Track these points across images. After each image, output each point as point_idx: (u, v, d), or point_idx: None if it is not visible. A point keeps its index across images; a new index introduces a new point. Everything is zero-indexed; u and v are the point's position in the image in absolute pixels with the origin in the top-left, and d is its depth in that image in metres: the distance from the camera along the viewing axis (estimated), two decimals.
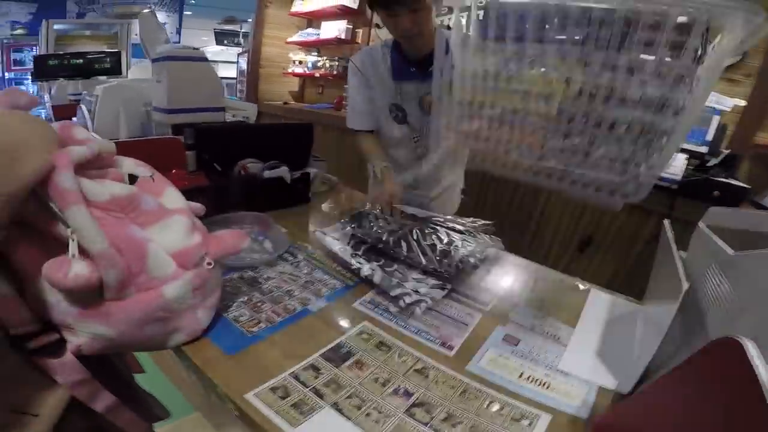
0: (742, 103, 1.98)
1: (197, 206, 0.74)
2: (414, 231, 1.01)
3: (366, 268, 0.87)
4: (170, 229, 0.64)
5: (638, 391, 0.60)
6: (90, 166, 0.57)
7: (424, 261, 0.90)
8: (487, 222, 1.14)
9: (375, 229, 1.01)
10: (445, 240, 0.99)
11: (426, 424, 0.56)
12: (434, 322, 0.79)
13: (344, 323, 0.76)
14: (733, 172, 1.96)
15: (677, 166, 1.85)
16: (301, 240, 1.08)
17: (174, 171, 1.13)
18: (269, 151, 1.26)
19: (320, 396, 0.59)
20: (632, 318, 0.84)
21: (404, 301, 0.78)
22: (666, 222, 0.81)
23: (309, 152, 1.40)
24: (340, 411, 0.57)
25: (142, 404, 0.77)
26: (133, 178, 0.67)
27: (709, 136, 1.86)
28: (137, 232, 0.59)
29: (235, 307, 0.77)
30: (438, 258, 0.90)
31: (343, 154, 2.88)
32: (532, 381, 0.66)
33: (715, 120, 1.85)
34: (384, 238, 0.96)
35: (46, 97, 2.00)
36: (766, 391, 0.29)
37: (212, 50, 5.18)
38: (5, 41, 4.53)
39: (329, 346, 0.69)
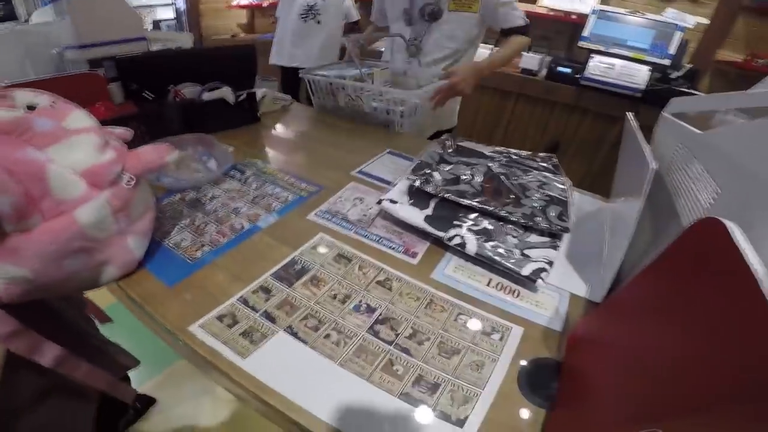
0: (705, 21, 2.05)
1: (122, 130, 0.66)
2: (494, 168, 0.80)
3: (465, 236, 0.67)
4: (75, 148, 0.55)
5: (612, 296, 0.57)
6: None
7: (540, 222, 0.68)
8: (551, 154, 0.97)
9: (448, 174, 0.78)
10: (537, 181, 0.78)
11: (390, 343, 0.51)
12: (396, 228, 0.73)
13: (298, 238, 0.70)
14: (695, 85, 2.05)
15: (640, 76, 1.94)
16: (251, 157, 0.98)
17: (99, 104, 1.03)
18: (210, 76, 1.15)
19: (272, 320, 0.54)
20: (599, 217, 0.81)
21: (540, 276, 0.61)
22: (629, 114, 0.76)
23: (253, 74, 1.28)
24: (294, 335, 0.52)
25: (102, 355, 0.73)
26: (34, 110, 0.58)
27: (672, 50, 1.94)
28: (32, 153, 0.51)
29: (176, 232, 0.69)
30: (543, 206, 0.71)
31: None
32: (501, 289, 0.62)
33: (678, 35, 1.93)
34: (471, 183, 0.75)
35: None
36: (755, 275, 0.24)
37: None
38: None
39: (281, 264, 0.63)
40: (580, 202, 0.87)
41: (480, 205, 0.69)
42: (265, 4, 3.95)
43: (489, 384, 0.47)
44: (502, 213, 0.68)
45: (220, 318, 0.54)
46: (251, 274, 0.61)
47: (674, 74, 2.02)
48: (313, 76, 1.32)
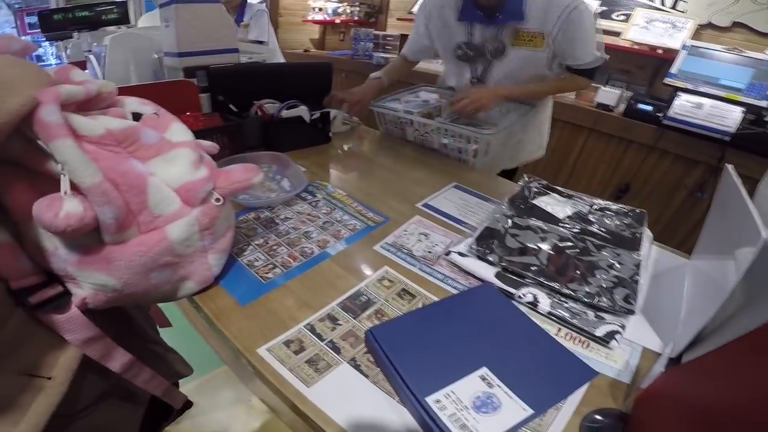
0: None
1: (209, 144, 0.68)
2: (566, 243, 0.76)
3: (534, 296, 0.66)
4: (174, 163, 0.57)
5: (695, 357, 0.53)
6: (90, 107, 0.54)
7: (605, 302, 0.64)
8: (639, 210, 0.91)
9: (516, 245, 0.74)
10: (608, 261, 0.72)
11: None
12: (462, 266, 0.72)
13: (364, 268, 0.71)
14: None
15: (731, 118, 1.79)
16: (320, 179, 1.02)
17: (188, 113, 1.08)
18: (288, 92, 1.19)
19: (337, 351, 0.55)
20: (679, 273, 0.76)
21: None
22: (729, 167, 0.70)
23: (329, 92, 1.32)
24: (357, 367, 0.53)
25: (162, 361, 0.75)
26: (139, 118, 0.62)
27: None
28: (136, 165, 0.53)
29: (249, 251, 0.73)
30: (610, 287, 0.66)
31: None
32: (570, 339, 0.60)
33: None
34: (538, 261, 0.71)
35: (63, 56, 1.98)
36: None
37: None
38: (17, 6, 4.48)
39: (347, 294, 0.65)
40: (659, 256, 0.82)
41: (544, 281, 0.67)
42: (337, 21, 4.08)
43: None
44: (566, 291, 0.65)
45: (287, 343, 0.55)
46: (319, 301, 0.63)
47: None
48: (380, 109, 1.32)
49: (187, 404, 1.37)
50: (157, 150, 0.56)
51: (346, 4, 3.98)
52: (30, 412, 0.48)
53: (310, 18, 4.30)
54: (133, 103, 0.63)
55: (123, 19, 1.77)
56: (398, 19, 3.69)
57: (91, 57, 1.37)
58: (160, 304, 0.83)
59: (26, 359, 0.49)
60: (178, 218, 0.56)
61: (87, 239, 0.49)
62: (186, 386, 1.41)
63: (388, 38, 3.48)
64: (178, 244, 0.56)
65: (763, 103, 1.79)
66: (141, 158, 0.55)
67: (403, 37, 3.38)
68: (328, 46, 4.55)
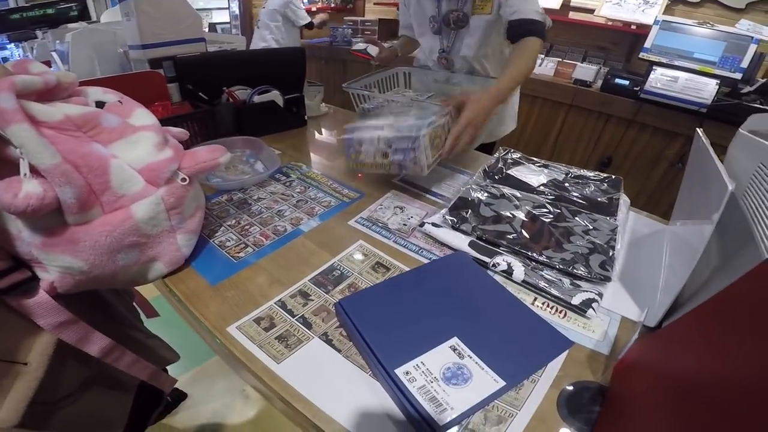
0: None
1: (178, 130, 0.69)
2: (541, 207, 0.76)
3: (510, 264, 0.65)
4: (137, 145, 0.57)
5: (668, 323, 0.53)
6: (51, 97, 0.55)
7: (581, 269, 0.63)
8: (615, 176, 0.91)
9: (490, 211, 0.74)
10: (584, 226, 0.72)
11: None
12: (436, 237, 0.72)
13: (338, 243, 0.70)
14: None
15: (706, 90, 1.83)
16: (296, 161, 1.00)
17: (157, 103, 1.07)
18: (260, 79, 1.18)
19: (308, 326, 0.54)
20: (658, 239, 0.76)
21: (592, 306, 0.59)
22: (699, 130, 0.70)
23: (302, 77, 1.30)
24: (329, 342, 0.52)
25: (145, 348, 0.75)
26: (102, 106, 0.62)
27: (744, 64, 1.83)
28: (97, 148, 0.53)
29: (221, 232, 0.71)
30: (586, 254, 0.66)
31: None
32: (547, 308, 0.59)
33: (752, 48, 1.81)
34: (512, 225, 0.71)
35: (30, 56, 1.93)
36: None
37: None
38: None
39: (320, 270, 0.64)
40: (637, 223, 0.82)
41: (519, 249, 0.66)
42: (314, 9, 4.03)
43: (526, 405, 0.46)
44: (541, 258, 0.64)
45: (257, 321, 0.54)
46: (291, 277, 0.62)
47: (746, 89, 1.88)
48: (356, 90, 1.28)
49: (182, 395, 1.36)
50: (120, 133, 0.57)
51: None
52: (8, 398, 0.49)
53: None
54: (96, 92, 0.63)
55: (84, 16, 1.73)
56: (375, 3, 3.66)
57: (54, 55, 1.34)
58: (150, 296, 0.82)
59: (0, 345, 0.49)
60: (142, 197, 0.55)
61: (50, 221, 0.49)
62: (180, 378, 1.40)
63: (367, 23, 3.44)
64: (143, 223, 0.55)
65: (736, 75, 1.83)
66: (103, 142, 0.55)
67: (381, 22, 3.38)
68: (305, 35, 4.49)
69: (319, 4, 3.97)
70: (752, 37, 1.80)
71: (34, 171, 0.46)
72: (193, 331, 0.60)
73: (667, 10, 2.21)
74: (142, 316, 0.85)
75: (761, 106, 1.76)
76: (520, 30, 1.12)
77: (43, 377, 0.52)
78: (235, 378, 1.40)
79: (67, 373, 0.59)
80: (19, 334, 0.51)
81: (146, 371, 0.65)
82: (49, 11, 1.67)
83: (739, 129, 0.64)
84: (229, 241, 0.69)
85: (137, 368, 0.63)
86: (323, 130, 1.29)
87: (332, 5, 3.91)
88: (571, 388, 0.48)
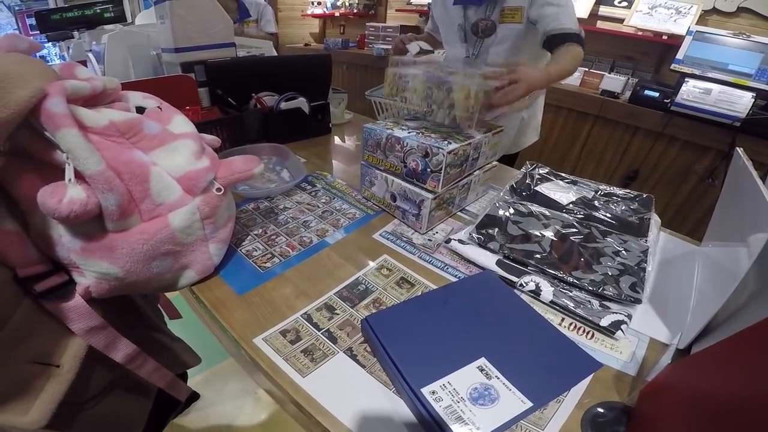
0: None
1: (211, 138, 0.70)
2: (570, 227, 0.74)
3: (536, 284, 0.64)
4: (176, 153, 0.58)
5: (703, 348, 0.51)
6: (96, 102, 0.56)
7: (610, 291, 0.62)
8: (645, 195, 0.89)
9: (519, 230, 0.73)
10: (614, 248, 0.70)
11: None
12: (462, 254, 0.71)
13: (363, 257, 0.70)
14: None
15: (741, 103, 1.77)
16: (321, 169, 1.01)
17: (188, 108, 1.08)
18: (286, 85, 1.19)
19: (333, 340, 0.54)
20: (689, 261, 0.74)
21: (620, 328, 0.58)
22: (739, 150, 0.67)
23: (328, 84, 1.31)
24: (354, 357, 0.52)
25: (169, 351, 0.76)
26: (142, 111, 0.63)
27: None
28: (139, 155, 0.54)
29: (248, 241, 0.72)
30: (616, 275, 0.64)
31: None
32: (574, 329, 0.59)
33: None
34: (541, 247, 0.69)
35: (66, 56, 2.00)
36: None
37: None
38: (17, 8, 4.52)
39: (345, 283, 0.64)
40: (668, 243, 0.80)
41: (547, 269, 0.65)
42: (336, 14, 4.09)
43: (550, 425, 0.45)
44: (570, 279, 0.63)
45: (283, 333, 0.55)
46: (317, 290, 0.62)
47: None
48: (378, 99, 1.28)
49: (194, 396, 1.38)
50: (160, 141, 0.57)
51: None
52: (39, 399, 0.50)
53: (309, 12, 4.32)
54: (136, 98, 0.65)
55: (120, 18, 1.77)
56: (397, 10, 3.67)
57: (91, 56, 1.38)
58: (169, 296, 0.83)
59: (35, 348, 0.50)
60: (179, 206, 0.56)
61: (90, 227, 0.50)
62: (193, 378, 1.41)
63: (388, 29, 3.46)
64: (179, 232, 0.56)
65: None
66: (144, 149, 0.56)
67: (403, 28, 3.39)
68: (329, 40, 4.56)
69: (342, 10, 4.00)
70: None
71: (78, 176, 0.47)
72: (209, 333, 0.61)
73: (701, 20, 2.15)
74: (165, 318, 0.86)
75: None
76: (560, 41, 1.11)
77: (74, 379, 0.53)
78: (248, 380, 1.41)
79: (94, 375, 0.60)
80: (54, 337, 0.52)
81: (165, 379, 0.66)
82: (88, 12, 1.72)
83: None
84: (256, 250, 0.70)
85: (157, 376, 0.64)
86: (346, 138, 1.30)
87: (354, 11, 3.94)
88: (596, 408, 0.47)
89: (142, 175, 0.52)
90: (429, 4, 1.54)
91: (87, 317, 0.52)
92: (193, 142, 0.60)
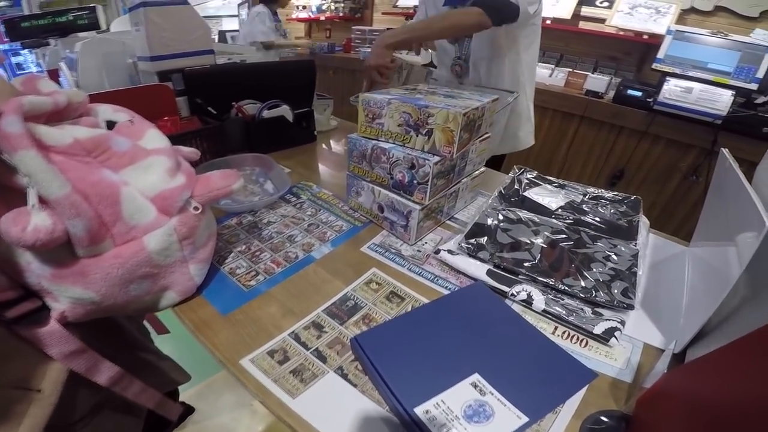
0: None
1: (189, 150, 0.67)
2: (559, 233, 0.73)
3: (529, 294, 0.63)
4: (149, 171, 0.55)
5: (699, 355, 0.51)
6: (62, 118, 0.53)
7: (602, 297, 0.61)
8: (634, 196, 0.88)
9: (508, 240, 0.71)
10: (604, 253, 0.69)
11: None
12: (452, 265, 0.70)
13: (351, 271, 0.68)
14: None
15: (721, 101, 1.80)
16: (306, 180, 0.99)
17: (166, 118, 1.05)
18: (269, 92, 1.16)
19: (323, 359, 0.52)
20: (679, 262, 0.74)
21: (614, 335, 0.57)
22: (725, 151, 0.68)
23: (313, 90, 1.29)
24: (345, 377, 0.51)
25: (156, 370, 0.74)
26: (113, 126, 0.60)
27: (760, 74, 1.81)
28: (108, 175, 0.51)
29: (231, 258, 0.70)
30: (607, 281, 0.64)
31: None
32: (568, 337, 0.58)
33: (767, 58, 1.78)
34: (531, 256, 0.68)
35: (43, 63, 1.96)
36: None
37: (214, 5, 5.03)
38: None
39: (333, 300, 0.62)
40: (657, 245, 0.80)
41: (538, 277, 0.64)
42: (322, 18, 4.07)
43: None
44: (561, 287, 0.63)
45: (271, 353, 0.53)
46: (304, 308, 0.60)
47: (761, 99, 1.84)
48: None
49: (189, 410, 1.35)
50: (131, 158, 0.55)
51: (330, 0, 3.95)
52: (23, 425, 0.48)
53: (294, 16, 4.30)
54: (106, 111, 0.61)
55: (94, 25, 1.73)
56: (383, 13, 3.66)
57: (62, 65, 1.33)
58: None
59: (14, 373, 0.48)
60: (155, 228, 0.54)
61: (60, 253, 0.47)
62: (186, 392, 1.41)
63: (375, 33, 3.45)
64: (156, 254, 0.54)
65: (752, 86, 1.80)
66: (113, 167, 0.53)
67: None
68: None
69: (328, 13, 3.99)
70: (767, 47, 1.77)
71: (43, 200, 0.44)
72: (200, 346, 0.59)
73: (679, 20, 2.19)
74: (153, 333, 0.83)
75: None
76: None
77: (57, 403, 0.51)
78: (242, 392, 1.36)
79: (79, 398, 0.58)
80: (32, 362, 0.50)
81: (153, 400, 0.64)
82: (60, 19, 1.67)
83: None
84: (240, 268, 0.68)
85: (145, 397, 0.62)
86: (333, 145, 1.28)
87: (340, 14, 3.92)
88: (593, 418, 0.47)
89: (112, 197, 0.50)
90: (415, 6, 1.51)
91: (64, 342, 0.50)
92: (167, 158, 0.57)
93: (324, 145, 1.27)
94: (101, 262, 0.49)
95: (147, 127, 0.62)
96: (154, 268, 0.54)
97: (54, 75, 1.48)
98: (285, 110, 1.14)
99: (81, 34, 1.64)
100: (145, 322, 0.86)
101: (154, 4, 1.07)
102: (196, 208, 0.57)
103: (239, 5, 4.88)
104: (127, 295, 0.53)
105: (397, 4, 3.48)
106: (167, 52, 1.14)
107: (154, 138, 0.60)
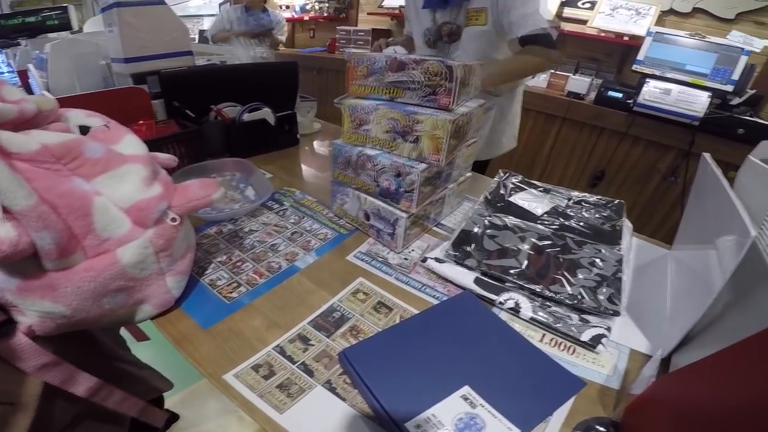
0: None
1: (166, 157, 0.64)
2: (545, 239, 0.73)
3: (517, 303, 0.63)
4: (124, 180, 0.53)
5: (686, 362, 0.51)
6: (29, 126, 0.50)
7: (589, 303, 0.61)
8: (617, 200, 0.88)
9: (495, 246, 0.71)
10: (590, 258, 0.69)
11: None
12: (439, 273, 0.69)
13: (337, 281, 0.67)
14: (757, 112, 1.92)
15: (698, 103, 1.83)
16: (288, 185, 0.97)
17: (141, 122, 1.01)
18: (250, 94, 1.13)
19: (310, 373, 0.51)
20: (661, 266, 0.75)
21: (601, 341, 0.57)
22: (706, 155, 0.68)
23: (295, 92, 1.26)
24: (333, 390, 0.49)
25: (137, 380, 0.72)
26: (87, 131, 0.58)
27: (736, 76, 1.84)
28: (79, 184, 0.49)
29: (211, 269, 0.68)
30: (593, 287, 0.64)
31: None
32: (555, 345, 0.58)
33: (743, 60, 1.83)
34: (519, 263, 0.67)
35: (13, 64, 1.89)
36: None
37: (195, 4, 4.93)
38: None
39: (319, 312, 0.60)
40: (640, 249, 0.81)
41: (525, 284, 0.64)
42: (306, 18, 4.02)
43: None
44: (548, 294, 0.62)
45: (256, 368, 0.51)
46: (289, 320, 0.59)
47: (735, 100, 1.89)
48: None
49: (173, 417, 1.33)
50: (105, 165, 0.52)
51: (314, 0, 3.91)
52: None
53: None
54: (78, 116, 0.59)
55: (65, 26, 1.67)
56: (369, 13, 3.64)
57: (31, 67, 1.28)
58: None
59: None
60: (129, 240, 0.51)
61: (26, 265, 0.45)
62: (171, 399, 1.37)
63: (360, 33, 3.43)
64: (131, 267, 0.51)
65: (727, 88, 1.84)
66: (86, 175, 0.50)
67: (375, 32, 3.37)
68: (298, 44, 4.48)
69: (312, 14, 3.95)
70: (743, 49, 1.81)
71: (8, 210, 0.42)
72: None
73: (659, 21, 2.23)
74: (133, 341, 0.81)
75: (751, 119, 1.77)
76: (529, 42, 1.10)
77: (36, 415, 0.49)
78: (227, 398, 1.36)
79: (58, 409, 0.56)
80: (7, 375, 0.47)
81: (136, 408, 0.62)
82: (29, 20, 1.62)
83: (749, 156, 0.62)
84: (221, 279, 0.66)
85: (127, 405, 0.60)
86: (317, 148, 1.26)
87: (324, 14, 3.89)
88: (583, 425, 0.47)
89: (83, 208, 0.47)
90: (401, 6, 1.51)
91: (35, 355, 0.47)
92: (144, 167, 0.55)
93: (308, 149, 1.25)
94: (72, 275, 0.47)
95: (124, 133, 0.59)
96: (129, 281, 0.52)
97: (24, 76, 1.42)
98: (266, 113, 1.12)
99: (52, 35, 1.58)
100: (123, 331, 0.83)
101: (128, 4, 1.03)
102: (173, 220, 0.55)
103: (220, 4, 4.81)
104: (101, 308, 0.51)
105: (383, 4, 3.47)
106: (142, 54, 1.10)
107: (131, 144, 0.58)
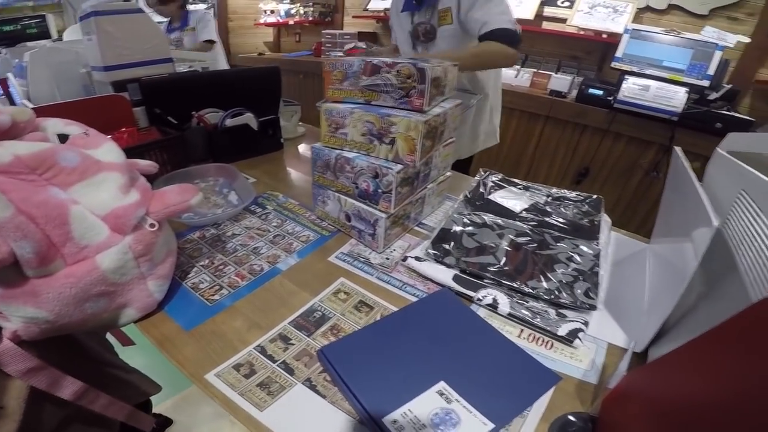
0: (746, 39, 1.93)
1: (147, 164, 0.65)
2: (523, 235, 0.75)
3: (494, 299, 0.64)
4: (100, 188, 0.54)
5: (659, 353, 0.53)
6: (7, 137, 0.51)
7: (566, 298, 0.62)
8: (595, 196, 0.90)
9: (474, 244, 0.72)
10: (567, 254, 0.71)
11: None
12: (419, 272, 0.70)
13: (318, 282, 0.68)
14: (734, 106, 1.96)
15: (677, 98, 1.86)
16: (272, 189, 0.97)
17: (123, 129, 1.01)
18: (232, 100, 1.13)
19: (290, 372, 0.52)
20: (640, 260, 0.76)
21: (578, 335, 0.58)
22: (678, 149, 0.70)
23: (278, 97, 1.27)
24: (313, 388, 0.50)
25: (124, 384, 0.72)
26: (66, 139, 0.59)
27: (711, 71, 1.88)
28: (55, 194, 0.50)
29: (194, 273, 0.68)
30: (570, 281, 0.65)
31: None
32: (533, 340, 0.59)
33: (717, 55, 1.86)
34: (497, 261, 0.69)
35: None
36: None
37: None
38: None
39: (300, 312, 0.61)
40: (619, 243, 0.82)
41: (503, 281, 0.65)
42: (291, 22, 4.01)
43: None
44: (526, 289, 0.64)
45: (237, 367, 0.52)
46: (270, 320, 0.59)
47: (712, 95, 1.93)
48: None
49: (167, 422, 1.32)
50: (81, 174, 0.53)
51: (299, 4, 3.91)
52: None
53: (262, 21, 4.20)
54: (56, 125, 0.59)
55: (44, 34, 1.67)
56: (354, 17, 3.66)
57: (10, 76, 1.27)
58: None
59: None
60: (107, 247, 0.52)
61: (8, 274, 0.46)
62: (163, 404, 1.38)
63: (345, 36, 3.44)
64: (111, 273, 0.52)
65: (704, 83, 1.88)
66: (62, 185, 0.51)
67: (360, 35, 3.38)
68: (284, 48, 4.47)
69: (297, 18, 3.95)
70: (717, 44, 1.85)
71: None
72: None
73: (636, 18, 2.26)
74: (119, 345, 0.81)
75: (728, 113, 1.81)
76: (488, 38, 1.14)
77: (23, 419, 0.50)
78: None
79: (46, 412, 0.56)
80: None
81: (123, 412, 0.62)
82: (7, 28, 1.61)
83: (717, 149, 0.63)
84: (203, 282, 0.66)
85: (114, 409, 0.60)
86: (300, 153, 1.27)
87: (310, 18, 3.89)
88: (560, 420, 0.47)
89: (60, 218, 0.48)
90: (386, 9, 1.56)
91: (20, 359, 0.48)
92: (121, 174, 0.56)
93: (292, 153, 1.25)
94: (53, 281, 0.48)
95: (103, 140, 0.60)
96: (111, 286, 0.53)
97: (4, 85, 1.42)
98: (249, 118, 1.12)
99: (29, 44, 1.58)
100: (109, 335, 0.83)
101: (106, 12, 1.04)
102: (152, 225, 0.56)
103: (205, 11, 4.79)
104: (83, 313, 0.51)
105: (368, 7, 3.48)
106: (122, 62, 1.11)
107: (109, 151, 0.59)
